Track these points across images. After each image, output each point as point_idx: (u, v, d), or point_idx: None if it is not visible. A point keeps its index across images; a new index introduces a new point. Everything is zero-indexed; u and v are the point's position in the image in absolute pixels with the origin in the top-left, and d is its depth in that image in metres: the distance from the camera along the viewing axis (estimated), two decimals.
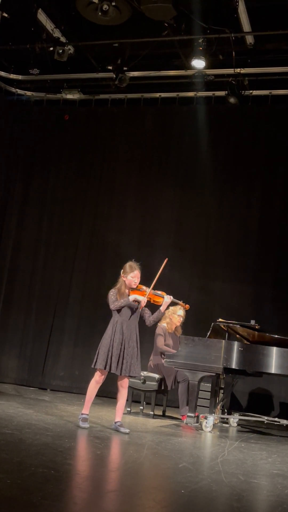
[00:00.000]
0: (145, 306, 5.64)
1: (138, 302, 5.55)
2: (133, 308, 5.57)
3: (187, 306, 6.07)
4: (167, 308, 5.95)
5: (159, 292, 5.76)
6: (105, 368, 5.43)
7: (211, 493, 3.62)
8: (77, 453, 4.53)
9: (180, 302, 5.94)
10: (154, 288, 5.68)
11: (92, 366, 5.54)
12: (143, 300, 5.55)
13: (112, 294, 5.58)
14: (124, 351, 5.47)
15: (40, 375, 8.89)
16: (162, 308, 5.74)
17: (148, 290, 5.62)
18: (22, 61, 9.13)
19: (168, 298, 5.76)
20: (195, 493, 3.54)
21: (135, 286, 5.60)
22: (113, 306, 5.54)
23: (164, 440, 5.36)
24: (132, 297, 5.52)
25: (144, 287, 5.65)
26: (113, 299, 5.54)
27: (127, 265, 5.63)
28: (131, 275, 5.57)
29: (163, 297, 5.75)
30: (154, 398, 6.95)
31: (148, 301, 5.65)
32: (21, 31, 8.39)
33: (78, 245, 9.32)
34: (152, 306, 5.78)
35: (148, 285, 5.68)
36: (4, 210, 9.62)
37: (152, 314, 5.70)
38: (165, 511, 3.20)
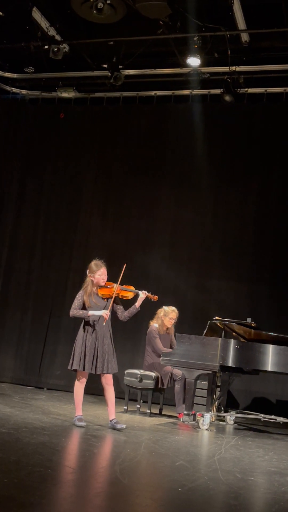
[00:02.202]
0: (116, 302, 5.66)
1: (99, 316, 5.56)
2: (104, 306, 5.58)
3: (156, 297, 6.03)
4: (141, 304, 5.90)
5: (127, 287, 5.76)
6: (79, 368, 5.48)
7: (208, 491, 3.62)
8: (74, 452, 4.53)
9: (149, 295, 5.91)
10: (121, 284, 5.69)
11: (68, 368, 5.59)
12: (104, 314, 5.51)
13: (77, 297, 5.63)
14: (98, 350, 5.51)
15: (36, 374, 8.88)
16: (137, 304, 5.73)
17: (116, 286, 5.63)
18: (17, 60, 9.12)
19: (142, 294, 5.77)
20: (192, 491, 3.55)
21: (103, 284, 5.65)
22: (71, 313, 5.62)
23: (161, 438, 5.37)
24: (91, 313, 5.53)
25: (112, 284, 5.67)
26: (75, 305, 5.61)
27: (93, 264, 5.68)
28: (98, 273, 5.62)
29: (131, 291, 5.74)
30: (151, 397, 6.95)
31: (117, 297, 5.66)
32: (16, 29, 8.36)
33: (74, 244, 9.31)
34: (122, 302, 5.80)
35: (124, 283, 5.70)
36: (0, 209, 9.61)
37: (125, 309, 5.73)
38: (162, 510, 3.20)
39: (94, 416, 6.19)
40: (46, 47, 8.28)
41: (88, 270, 5.69)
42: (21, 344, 9.09)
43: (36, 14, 8.09)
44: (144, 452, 4.66)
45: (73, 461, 4.22)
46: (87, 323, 5.59)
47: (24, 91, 9.87)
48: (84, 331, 5.57)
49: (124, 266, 5.72)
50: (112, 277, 5.76)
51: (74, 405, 5.68)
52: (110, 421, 5.59)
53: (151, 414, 6.91)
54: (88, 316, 5.54)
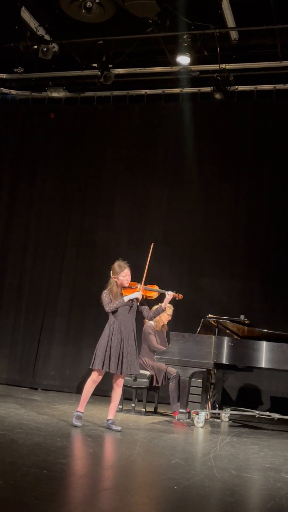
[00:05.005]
0: (140, 304, 5.65)
1: (133, 300, 5.54)
2: (129, 306, 5.56)
3: (180, 296, 6.05)
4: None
5: (151, 287, 5.76)
6: (103, 368, 5.42)
7: (204, 488, 3.63)
8: (69, 452, 4.53)
9: (174, 294, 5.93)
10: (145, 283, 5.68)
11: (90, 367, 5.52)
12: (139, 295, 5.53)
13: (105, 296, 5.54)
14: (123, 350, 5.46)
15: (31, 375, 8.87)
16: (163, 305, 5.77)
17: (140, 287, 5.61)
18: (7, 60, 9.08)
19: (168, 295, 5.79)
20: (188, 489, 3.55)
21: (127, 285, 5.59)
22: (108, 308, 5.52)
23: (156, 436, 5.37)
24: (127, 297, 5.51)
25: (136, 284, 5.65)
26: (107, 301, 5.52)
27: (116, 265, 5.61)
28: (122, 274, 5.56)
29: (156, 291, 5.75)
30: (146, 395, 6.95)
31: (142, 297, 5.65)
32: (4, 29, 8.34)
33: (67, 244, 9.30)
34: (146, 301, 5.79)
35: (139, 281, 5.67)
36: None
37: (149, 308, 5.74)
38: (158, 508, 3.21)
39: (89, 416, 6.18)
40: (36, 47, 8.26)
41: (111, 271, 5.60)
42: (15, 345, 9.07)
43: (25, 14, 8.07)
44: (139, 451, 4.66)
45: (69, 461, 4.21)
46: (113, 323, 5.51)
47: (14, 91, 9.84)
48: (110, 331, 5.50)
49: (152, 245, 5.67)
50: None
51: (68, 405, 5.67)
52: (107, 420, 5.57)
53: (146, 413, 6.92)
54: (126, 301, 5.48)
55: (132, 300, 5.55)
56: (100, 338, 5.54)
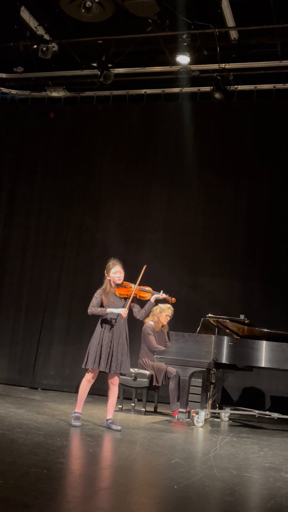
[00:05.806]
0: (132, 302, 5.64)
1: (117, 315, 5.51)
2: (121, 305, 5.56)
3: (173, 299, 6.05)
4: (156, 304, 5.94)
5: (146, 288, 5.76)
6: (94, 367, 5.43)
7: (203, 488, 3.63)
8: (69, 452, 4.53)
9: (167, 296, 5.94)
10: (140, 284, 5.68)
11: (83, 367, 5.54)
12: (123, 312, 5.51)
13: (95, 296, 5.59)
14: (113, 349, 5.48)
15: (30, 374, 8.87)
16: (152, 300, 5.73)
17: (134, 286, 5.62)
18: (6, 59, 9.08)
19: (161, 296, 5.75)
20: (188, 489, 3.55)
21: (119, 282, 5.60)
22: (89, 310, 5.58)
23: (156, 436, 5.37)
24: (109, 309, 5.50)
25: (130, 284, 5.65)
26: (94, 302, 5.57)
27: (110, 263, 5.64)
28: (113, 270, 5.58)
29: (149, 292, 5.75)
30: (146, 395, 6.95)
31: (135, 297, 5.65)
32: (4, 29, 8.34)
33: (66, 244, 9.30)
34: (139, 301, 5.78)
35: (134, 283, 5.68)
36: None
37: (141, 308, 5.71)
38: (158, 507, 3.20)
39: (89, 416, 6.18)
40: (35, 46, 8.25)
41: (105, 271, 5.64)
42: (14, 344, 9.07)
43: (25, 14, 8.06)
44: (139, 451, 4.66)
45: (69, 461, 4.21)
46: (104, 321, 5.54)
47: (13, 91, 9.84)
48: (101, 329, 5.52)
49: (144, 267, 5.70)
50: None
51: (68, 405, 5.67)
52: (106, 420, 5.57)
53: (146, 412, 6.92)
54: (106, 314, 5.50)
55: (114, 318, 5.51)
56: (92, 337, 5.57)
